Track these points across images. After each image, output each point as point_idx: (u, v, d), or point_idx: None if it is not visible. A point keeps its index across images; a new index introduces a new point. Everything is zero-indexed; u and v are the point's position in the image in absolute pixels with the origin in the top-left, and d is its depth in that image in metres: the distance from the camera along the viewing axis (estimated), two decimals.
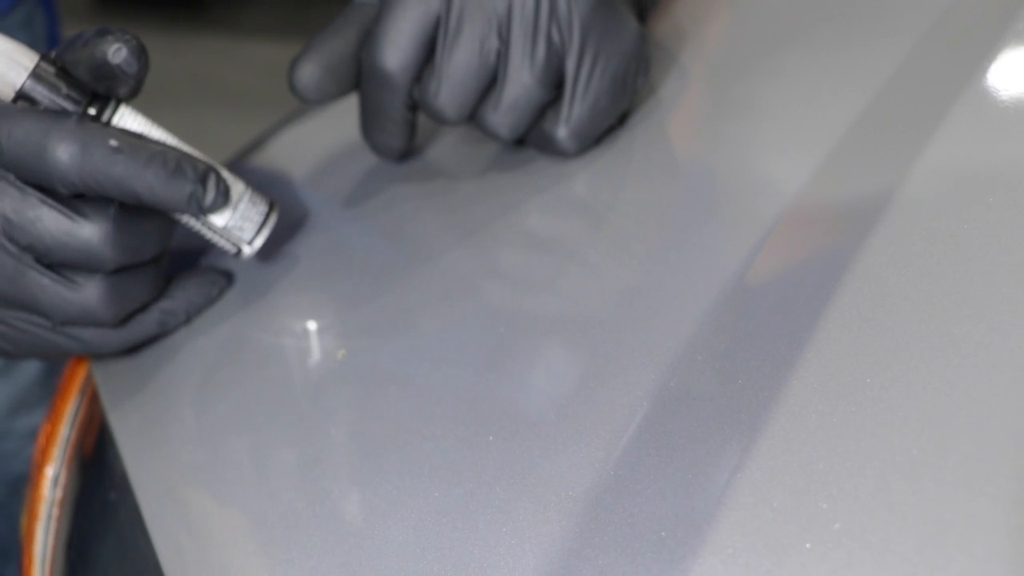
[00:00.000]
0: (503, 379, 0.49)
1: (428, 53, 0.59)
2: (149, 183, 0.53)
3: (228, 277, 0.62)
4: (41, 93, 0.54)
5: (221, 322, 0.60)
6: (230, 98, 3.41)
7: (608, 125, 0.61)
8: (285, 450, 0.51)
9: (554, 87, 0.59)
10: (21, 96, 0.54)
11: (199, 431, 0.54)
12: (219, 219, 0.57)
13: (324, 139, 0.71)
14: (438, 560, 0.43)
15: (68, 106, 0.54)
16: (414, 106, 0.61)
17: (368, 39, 0.60)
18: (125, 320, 0.59)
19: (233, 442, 0.52)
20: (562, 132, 0.59)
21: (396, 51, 0.58)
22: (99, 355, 0.62)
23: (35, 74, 0.54)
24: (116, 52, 0.54)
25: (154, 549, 0.53)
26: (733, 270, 0.52)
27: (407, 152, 0.64)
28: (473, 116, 0.60)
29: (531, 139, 0.61)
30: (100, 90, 0.55)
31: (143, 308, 0.59)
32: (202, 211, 0.55)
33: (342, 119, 0.70)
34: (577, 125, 0.59)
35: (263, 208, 0.58)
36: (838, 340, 0.44)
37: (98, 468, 0.66)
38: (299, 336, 0.56)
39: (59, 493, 0.70)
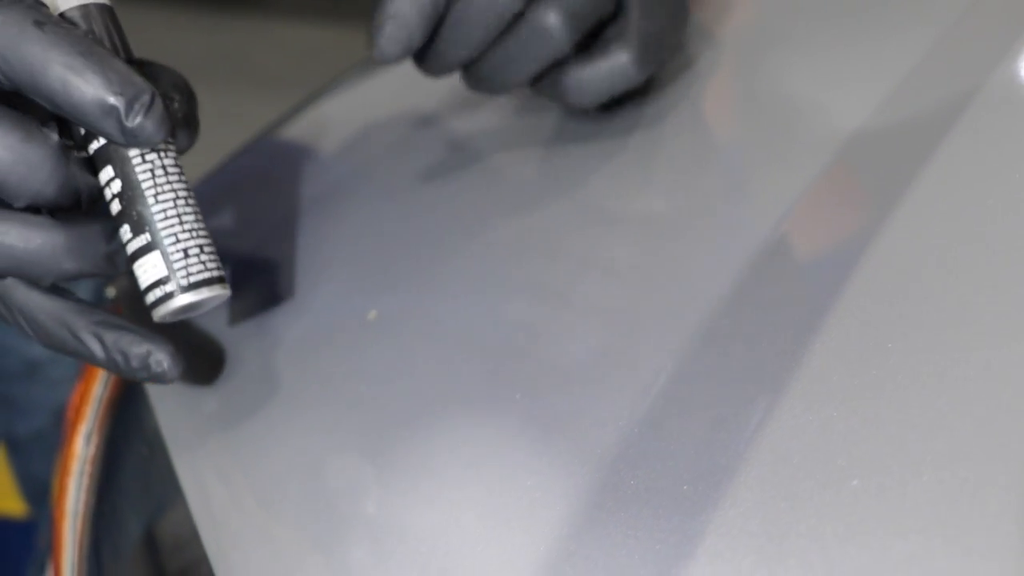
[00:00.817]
0: (530, 340, 0.50)
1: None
2: (61, 76, 0.45)
3: None
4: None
5: (253, 283, 0.61)
6: (261, 79, 3.42)
7: (669, 53, 0.57)
8: (317, 406, 0.52)
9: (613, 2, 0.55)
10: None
11: (231, 388, 0.55)
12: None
13: (354, 115, 0.72)
14: (463, 511, 0.44)
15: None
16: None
17: None
18: None
19: (265, 396, 0.54)
20: (629, 51, 0.55)
21: None
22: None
23: (83, 9, 0.48)
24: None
25: (186, 503, 0.54)
26: (759, 245, 0.53)
27: (416, 43, 0.54)
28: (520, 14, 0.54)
29: (586, 72, 0.56)
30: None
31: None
32: (124, 134, 0.46)
33: (371, 94, 0.71)
34: (645, 42, 0.55)
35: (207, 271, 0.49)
36: (860, 309, 0.45)
37: (130, 424, 0.67)
38: (331, 297, 0.57)
39: (91, 450, 0.71)
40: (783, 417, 0.40)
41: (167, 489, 0.59)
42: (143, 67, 0.50)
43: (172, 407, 0.58)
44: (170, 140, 0.48)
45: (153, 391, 0.60)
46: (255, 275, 0.62)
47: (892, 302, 0.47)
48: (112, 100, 0.45)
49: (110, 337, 0.50)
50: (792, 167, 0.58)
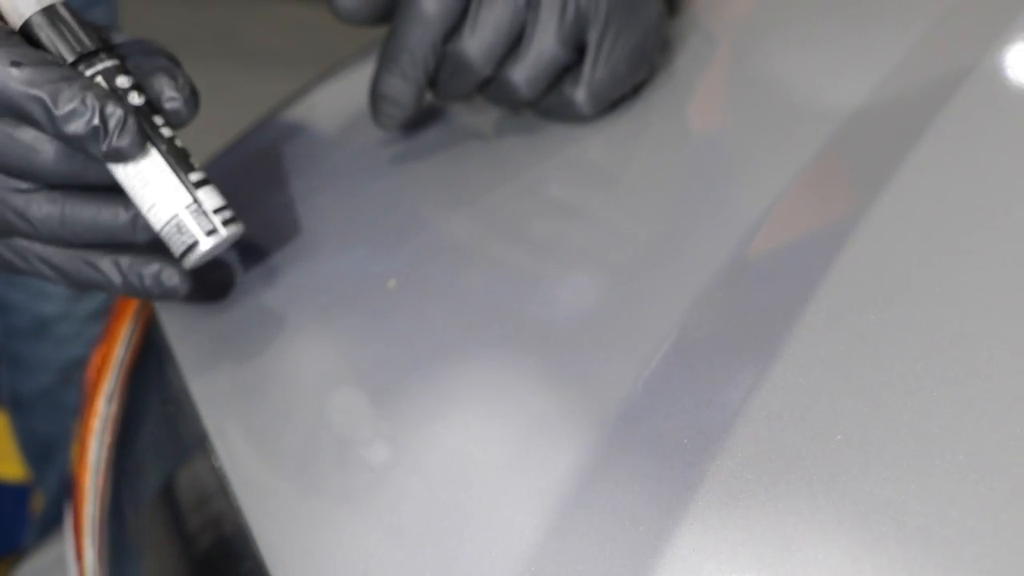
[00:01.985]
0: (539, 308, 0.54)
1: (465, 3, 0.62)
2: (44, 104, 0.52)
3: None
4: (46, 33, 0.54)
5: (276, 257, 0.65)
6: (252, 55, 3.43)
7: (623, 92, 0.65)
8: (341, 366, 0.56)
9: (575, 52, 0.63)
10: (24, 29, 0.53)
11: (260, 348, 0.59)
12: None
13: (358, 97, 0.75)
14: (477, 463, 0.48)
15: (64, 52, 0.54)
16: (438, 60, 0.63)
17: None
18: None
19: (292, 356, 0.57)
20: (582, 94, 0.63)
21: None
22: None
23: (47, 11, 0.54)
24: (170, 100, 0.56)
25: (217, 457, 0.58)
26: (745, 222, 0.57)
27: (409, 116, 0.64)
28: (491, 80, 0.63)
29: (545, 104, 0.65)
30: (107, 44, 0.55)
31: None
32: (107, 152, 0.53)
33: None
34: (597, 88, 0.63)
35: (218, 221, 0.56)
36: (846, 284, 0.49)
37: (154, 387, 0.71)
38: (352, 264, 0.61)
39: (113, 409, 0.75)
40: (774, 378, 0.45)
41: (191, 445, 0.63)
42: (132, 46, 0.57)
43: (200, 368, 0.62)
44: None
45: (183, 355, 0.63)
46: (277, 247, 0.66)
47: (875, 281, 0.51)
48: (88, 118, 0.53)
49: (125, 262, 0.58)
50: (786, 151, 0.62)
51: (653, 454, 0.44)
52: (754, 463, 0.42)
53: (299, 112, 0.74)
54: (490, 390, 0.51)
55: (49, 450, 1.45)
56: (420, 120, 0.69)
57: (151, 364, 0.71)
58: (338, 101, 0.73)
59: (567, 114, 0.65)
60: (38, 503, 1.54)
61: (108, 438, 0.75)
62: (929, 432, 0.42)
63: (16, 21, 0.55)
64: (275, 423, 0.56)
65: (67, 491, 0.79)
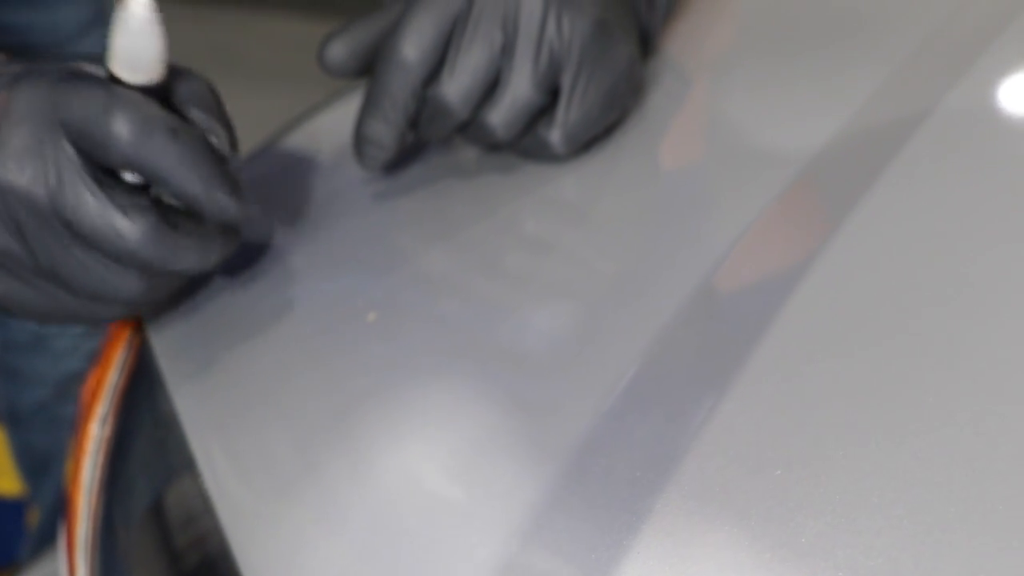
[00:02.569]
0: (508, 339, 0.58)
1: (443, 49, 0.65)
2: (195, 181, 0.58)
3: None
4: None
5: (263, 286, 0.67)
6: (252, 72, 3.45)
7: (596, 133, 0.68)
8: (320, 394, 0.59)
9: (549, 95, 0.66)
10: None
11: (246, 374, 0.62)
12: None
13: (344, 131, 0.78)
14: (442, 492, 0.51)
15: None
16: (418, 105, 0.66)
17: (393, 28, 0.66)
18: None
19: (279, 383, 0.60)
20: (556, 135, 0.66)
21: (417, 39, 0.65)
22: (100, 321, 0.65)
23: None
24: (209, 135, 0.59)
25: (199, 479, 0.61)
26: (707, 258, 0.60)
27: (392, 157, 0.68)
28: (469, 123, 0.67)
29: (522, 144, 0.68)
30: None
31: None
32: (224, 219, 0.59)
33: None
34: (570, 129, 0.66)
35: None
36: (793, 327, 0.53)
37: (143, 409, 0.74)
38: (335, 296, 0.64)
39: (106, 431, 0.78)
40: (723, 416, 0.48)
41: (179, 467, 0.66)
42: (176, 75, 0.61)
43: (188, 393, 0.65)
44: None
45: (172, 381, 0.66)
46: (265, 275, 0.68)
47: (827, 324, 0.55)
48: (224, 200, 0.58)
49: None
50: (749, 191, 0.65)
51: (606, 486, 0.47)
52: (698, 497, 0.45)
53: (285, 146, 0.77)
54: (458, 419, 0.54)
55: (45, 464, 1.48)
56: (403, 157, 0.72)
57: (143, 388, 0.74)
58: (323, 136, 0.76)
59: (542, 154, 0.68)
60: (34, 517, 1.56)
61: (101, 459, 0.78)
62: (862, 470, 0.45)
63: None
64: (257, 447, 0.59)
65: (61, 510, 0.82)
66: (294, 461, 0.58)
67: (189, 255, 0.59)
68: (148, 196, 0.59)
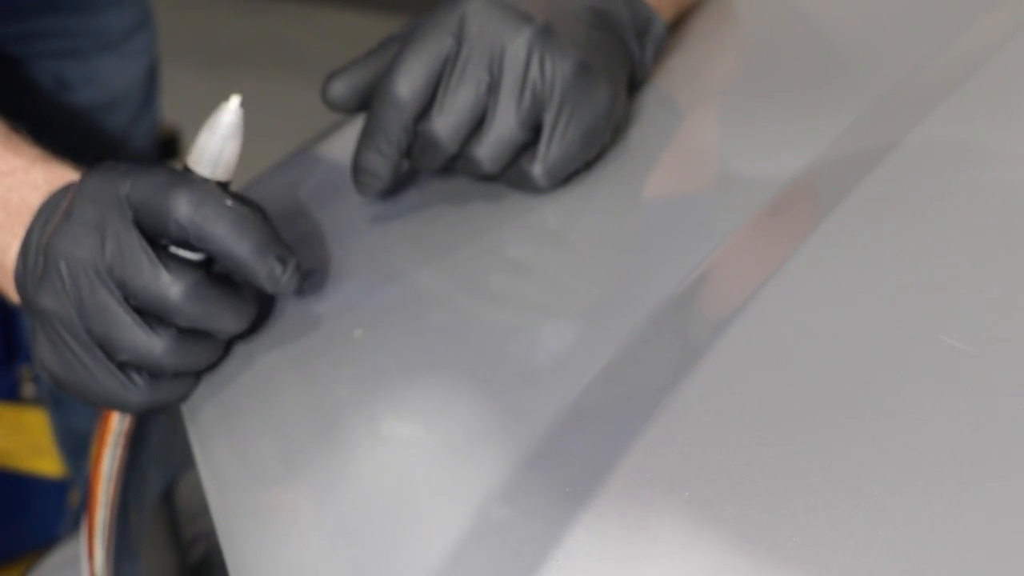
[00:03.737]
0: (484, 352, 0.64)
1: (434, 88, 0.71)
2: (244, 246, 0.64)
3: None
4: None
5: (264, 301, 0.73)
6: (306, 65, 3.51)
7: (576, 168, 0.73)
8: (310, 401, 0.64)
9: (532, 132, 0.71)
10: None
11: (242, 382, 0.67)
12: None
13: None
14: (410, 488, 0.58)
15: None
16: (411, 137, 0.71)
17: (389, 68, 0.72)
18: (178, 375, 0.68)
19: (267, 390, 0.66)
20: (538, 169, 0.72)
21: (409, 78, 0.70)
22: (131, 410, 0.69)
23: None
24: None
25: (203, 485, 0.67)
26: (671, 281, 0.65)
27: (386, 184, 0.73)
28: (458, 156, 0.72)
29: (507, 176, 0.73)
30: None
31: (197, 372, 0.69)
32: (276, 288, 0.65)
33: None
34: (551, 164, 0.71)
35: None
36: (732, 361, 0.58)
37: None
38: (327, 315, 0.69)
39: (125, 425, 0.85)
40: (651, 438, 0.53)
41: (183, 462, 0.72)
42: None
43: (195, 395, 0.70)
44: None
45: None
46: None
47: (767, 361, 0.60)
48: (274, 265, 0.64)
49: None
50: (711, 225, 0.71)
51: (546, 491, 0.53)
52: (618, 515, 0.51)
53: (288, 170, 0.83)
54: (433, 422, 0.61)
55: (85, 446, 1.54)
56: (399, 184, 0.78)
57: None
58: (323, 162, 0.82)
59: (525, 186, 0.73)
60: (75, 497, 1.63)
61: (120, 451, 0.84)
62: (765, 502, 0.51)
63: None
64: (247, 448, 0.65)
65: (80, 499, 0.89)
66: (280, 460, 0.64)
67: (226, 315, 0.66)
68: (196, 264, 0.65)
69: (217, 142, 0.66)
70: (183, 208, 0.64)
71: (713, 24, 0.89)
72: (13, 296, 0.73)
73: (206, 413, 0.68)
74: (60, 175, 0.72)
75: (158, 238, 0.65)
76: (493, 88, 0.71)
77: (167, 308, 0.64)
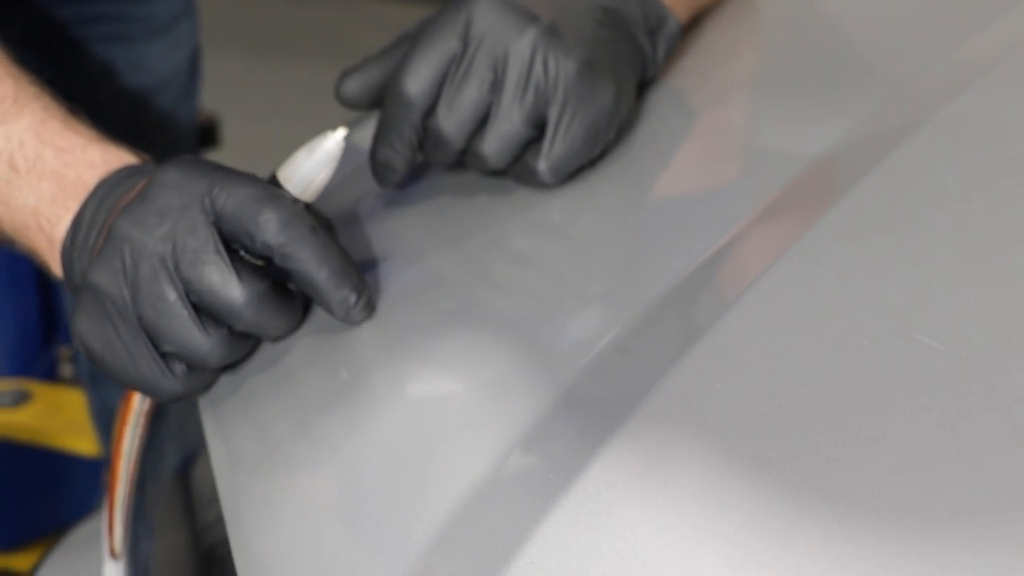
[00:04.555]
0: (484, 336, 0.66)
1: (439, 87, 0.73)
2: (323, 272, 0.66)
3: None
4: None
5: None
6: (348, 53, 3.53)
7: (580, 164, 0.75)
8: (332, 389, 0.66)
9: (537, 129, 0.73)
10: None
11: (252, 365, 0.70)
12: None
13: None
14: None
15: None
16: (421, 134, 0.74)
17: (398, 67, 0.74)
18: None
19: (275, 372, 0.68)
20: (542, 165, 0.73)
21: (417, 78, 0.73)
22: (160, 398, 0.70)
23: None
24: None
25: (209, 455, 0.69)
26: (672, 276, 0.67)
27: (402, 176, 0.76)
28: (465, 151, 0.74)
29: (513, 171, 0.75)
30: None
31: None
32: (345, 318, 0.67)
33: None
34: (555, 161, 0.73)
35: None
36: (715, 358, 0.60)
37: None
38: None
39: (146, 405, 0.87)
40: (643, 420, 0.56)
41: (197, 444, 0.74)
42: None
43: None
44: None
45: None
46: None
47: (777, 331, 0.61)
48: (348, 293, 0.66)
49: None
50: (724, 209, 0.72)
51: (527, 479, 0.55)
52: (594, 500, 0.53)
53: None
54: (437, 399, 0.63)
55: None
56: (415, 174, 0.80)
57: None
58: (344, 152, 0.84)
59: (531, 181, 0.75)
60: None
61: (140, 431, 0.87)
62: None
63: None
64: (256, 430, 0.67)
65: (105, 473, 0.92)
66: (289, 441, 0.66)
67: (280, 323, 0.68)
68: (263, 270, 0.67)
69: (313, 166, 0.68)
70: (272, 228, 0.65)
71: (728, 23, 0.90)
72: (56, 269, 0.75)
73: (219, 390, 0.71)
74: (117, 156, 0.74)
75: (231, 243, 0.67)
76: (497, 86, 0.73)
77: (229, 313, 0.66)
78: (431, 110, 0.74)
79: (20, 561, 1.82)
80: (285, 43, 3.68)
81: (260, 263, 0.67)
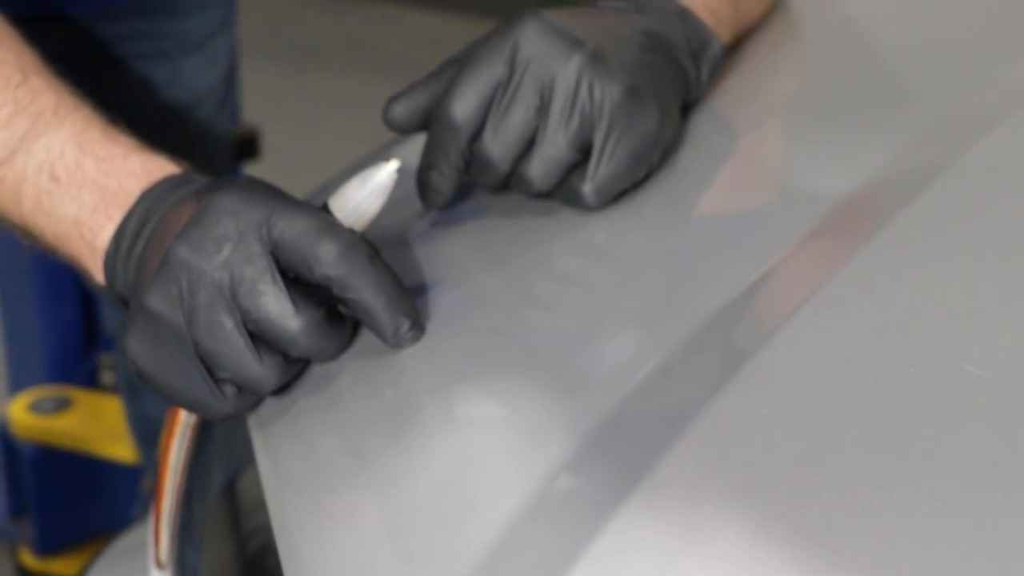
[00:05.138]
0: (528, 354, 0.68)
1: (487, 111, 0.74)
2: (380, 301, 0.67)
3: None
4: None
5: None
6: (386, 65, 3.55)
7: (624, 188, 0.76)
8: (377, 403, 0.67)
9: (582, 153, 0.74)
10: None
11: (310, 378, 0.71)
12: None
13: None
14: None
15: None
16: (467, 157, 0.75)
17: (445, 92, 0.75)
18: None
19: (335, 389, 0.69)
20: (587, 188, 0.74)
21: (463, 104, 0.74)
22: (212, 418, 0.71)
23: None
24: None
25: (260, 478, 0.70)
26: (715, 298, 0.68)
27: (448, 199, 0.77)
28: (511, 174, 0.75)
29: (558, 193, 0.76)
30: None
31: None
32: (395, 343, 0.68)
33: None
34: (600, 184, 0.74)
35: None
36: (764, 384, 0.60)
37: None
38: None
39: (193, 419, 0.88)
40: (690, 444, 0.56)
41: (245, 458, 0.75)
42: None
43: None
44: None
45: None
46: None
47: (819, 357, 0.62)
48: (403, 322, 0.68)
49: None
50: (767, 234, 0.73)
51: (573, 502, 0.56)
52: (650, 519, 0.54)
53: None
54: (484, 419, 0.65)
55: (157, 433, 1.58)
56: (461, 195, 0.81)
57: None
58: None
59: (576, 203, 0.76)
60: (148, 483, 1.68)
61: (187, 443, 0.88)
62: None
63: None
64: (305, 446, 0.68)
65: (152, 484, 0.93)
66: (337, 460, 0.67)
67: (332, 349, 0.69)
68: (317, 297, 0.68)
69: (365, 197, 0.70)
70: (331, 259, 0.66)
71: (771, 44, 0.91)
72: (98, 277, 0.76)
73: (267, 409, 0.72)
74: (159, 165, 0.75)
75: (287, 272, 0.67)
76: (543, 111, 0.74)
77: (286, 342, 0.67)
78: (477, 134, 0.75)
79: (59, 566, 1.84)
80: (323, 55, 3.70)
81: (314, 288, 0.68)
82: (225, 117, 1.37)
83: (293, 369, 0.69)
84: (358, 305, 0.67)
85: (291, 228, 0.67)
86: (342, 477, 0.66)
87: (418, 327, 0.68)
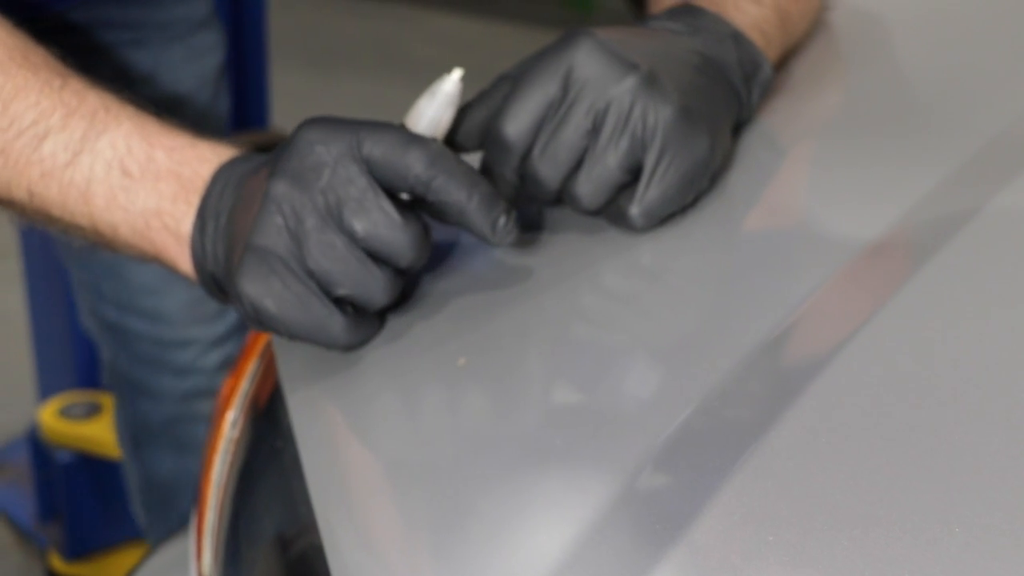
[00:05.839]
0: (580, 380, 0.68)
1: (539, 130, 0.74)
2: (475, 196, 0.70)
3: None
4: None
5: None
6: (413, 68, 3.57)
7: (672, 211, 0.76)
8: (429, 424, 0.68)
9: (631, 174, 0.74)
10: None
11: (359, 398, 0.71)
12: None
13: None
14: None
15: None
16: (520, 174, 0.75)
17: (498, 111, 0.76)
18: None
19: (385, 407, 0.70)
20: (635, 210, 0.74)
21: (516, 123, 0.74)
22: (335, 344, 0.72)
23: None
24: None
25: (308, 493, 0.70)
26: (762, 324, 0.68)
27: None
28: (561, 191, 0.75)
29: (608, 212, 0.76)
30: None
31: None
32: (494, 238, 0.71)
33: None
34: (648, 206, 0.74)
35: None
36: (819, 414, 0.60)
37: (269, 420, 0.84)
38: (432, 347, 0.72)
39: (236, 433, 0.88)
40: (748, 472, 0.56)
41: (294, 479, 0.75)
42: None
43: (305, 409, 0.74)
44: None
45: (290, 396, 0.75)
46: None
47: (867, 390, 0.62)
48: (499, 214, 0.71)
49: None
50: (814, 258, 0.73)
51: (634, 529, 0.56)
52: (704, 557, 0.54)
53: None
54: (532, 445, 0.65)
55: (167, 496, 1.53)
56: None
57: (268, 401, 0.84)
58: None
59: (623, 224, 0.76)
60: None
61: (230, 458, 0.88)
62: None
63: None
64: (358, 467, 0.68)
65: (194, 498, 0.93)
66: (389, 481, 0.67)
67: (425, 255, 0.72)
68: (415, 211, 0.71)
69: (437, 108, 0.74)
70: (423, 164, 0.69)
71: (816, 65, 0.91)
72: (183, 264, 0.78)
73: (314, 428, 0.72)
74: (225, 149, 0.78)
75: (385, 188, 0.70)
76: (594, 131, 0.74)
77: (395, 251, 0.70)
78: (530, 151, 0.75)
79: (88, 570, 1.85)
80: (348, 57, 3.71)
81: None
82: (216, 121, 1.34)
83: (400, 284, 0.72)
84: (453, 207, 0.70)
85: (379, 145, 0.70)
86: (399, 477, 0.66)
87: (515, 222, 0.71)
